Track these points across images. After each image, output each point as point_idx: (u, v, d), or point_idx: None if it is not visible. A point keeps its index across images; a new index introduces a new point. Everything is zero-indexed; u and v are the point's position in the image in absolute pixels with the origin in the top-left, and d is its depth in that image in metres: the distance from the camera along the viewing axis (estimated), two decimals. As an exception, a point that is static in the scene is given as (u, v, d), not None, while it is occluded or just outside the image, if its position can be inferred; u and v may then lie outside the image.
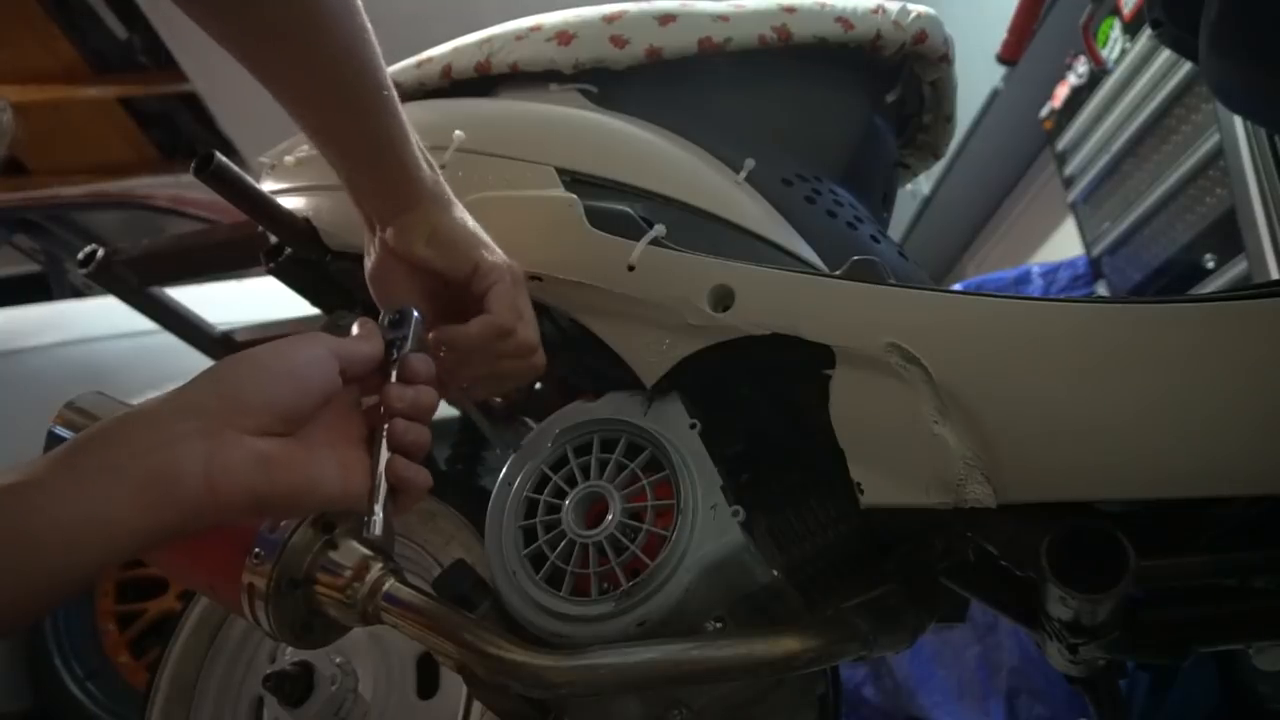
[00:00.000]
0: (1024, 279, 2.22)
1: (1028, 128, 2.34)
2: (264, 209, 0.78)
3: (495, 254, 0.64)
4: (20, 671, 1.68)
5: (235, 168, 0.75)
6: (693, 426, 0.64)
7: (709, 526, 0.60)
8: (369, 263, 0.65)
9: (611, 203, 0.71)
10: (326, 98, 0.58)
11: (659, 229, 0.68)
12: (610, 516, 0.61)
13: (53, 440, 0.62)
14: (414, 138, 0.62)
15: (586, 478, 0.64)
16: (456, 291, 0.64)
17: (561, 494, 0.64)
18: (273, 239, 0.85)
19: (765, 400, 0.70)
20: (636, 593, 0.59)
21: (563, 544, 0.62)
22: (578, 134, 0.77)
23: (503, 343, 0.63)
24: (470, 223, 0.64)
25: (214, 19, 0.55)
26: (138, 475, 0.41)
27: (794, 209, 0.76)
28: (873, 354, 0.58)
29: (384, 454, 0.52)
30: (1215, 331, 0.53)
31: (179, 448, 0.42)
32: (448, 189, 0.64)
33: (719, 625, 0.60)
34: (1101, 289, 2.04)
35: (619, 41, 0.79)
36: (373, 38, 0.59)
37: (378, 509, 0.50)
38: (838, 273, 0.64)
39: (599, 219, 0.70)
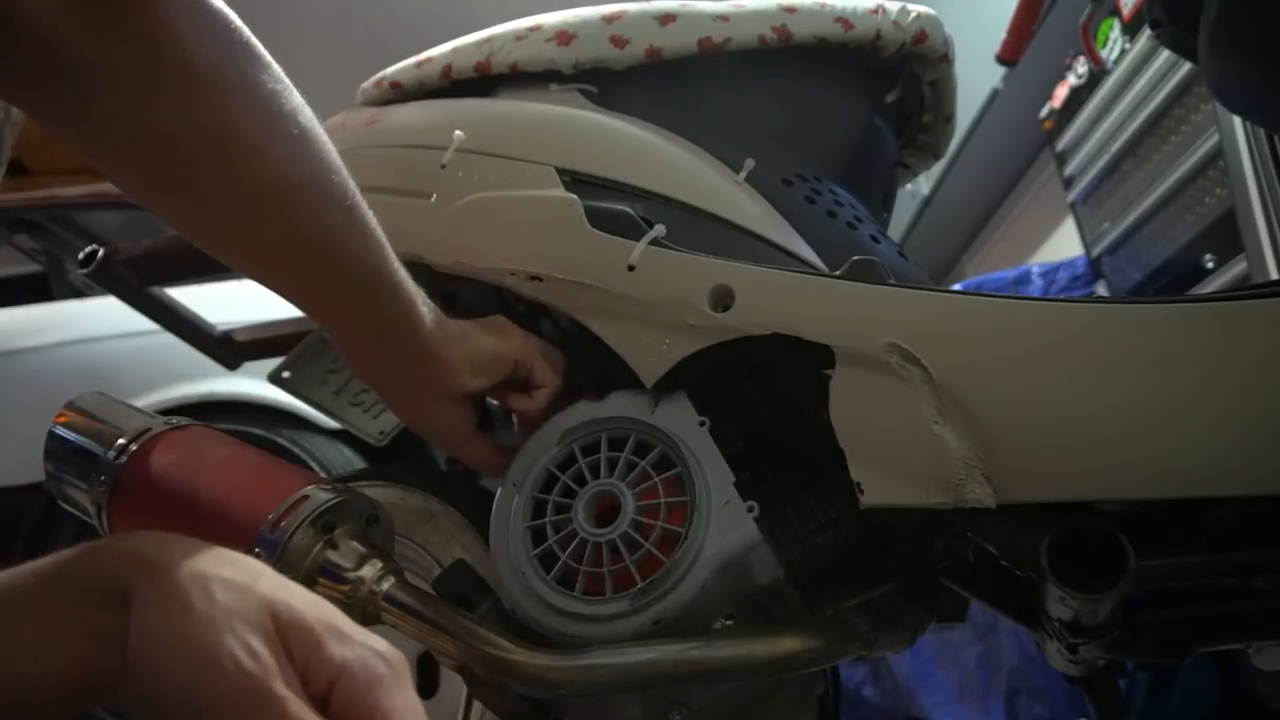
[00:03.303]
0: (1024, 279, 2.22)
1: (1028, 128, 2.34)
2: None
3: (508, 329, 0.68)
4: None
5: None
6: (702, 424, 0.64)
7: (723, 522, 0.60)
8: (413, 421, 0.69)
9: (611, 203, 0.71)
10: (341, 301, 0.61)
11: (659, 229, 0.68)
12: (623, 515, 0.61)
13: (53, 440, 0.62)
14: (416, 290, 0.62)
15: (595, 477, 0.64)
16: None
17: (570, 494, 0.64)
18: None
19: (765, 400, 0.70)
20: (652, 590, 0.59)
21: (574, 544, 0.62)
22: (578, 134, 0.77)
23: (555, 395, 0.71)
24: (470, 326, 0.67)
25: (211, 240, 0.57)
26: None
27: (794, 209, 0.76)
28: (873, 354, 0.58)
29: None
30: (1215, 331, 0.53)
31: None
32: (440, 314, 0.65)
33: (729, 622, 0.60)
34: (1101, 289, 2.04)
35: (619, 41, 0.79)
36: (377, 233, 0.59)
37: None
38: (838, 273, 0.64)
39: (599, 219, 0.70)
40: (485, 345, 0.66)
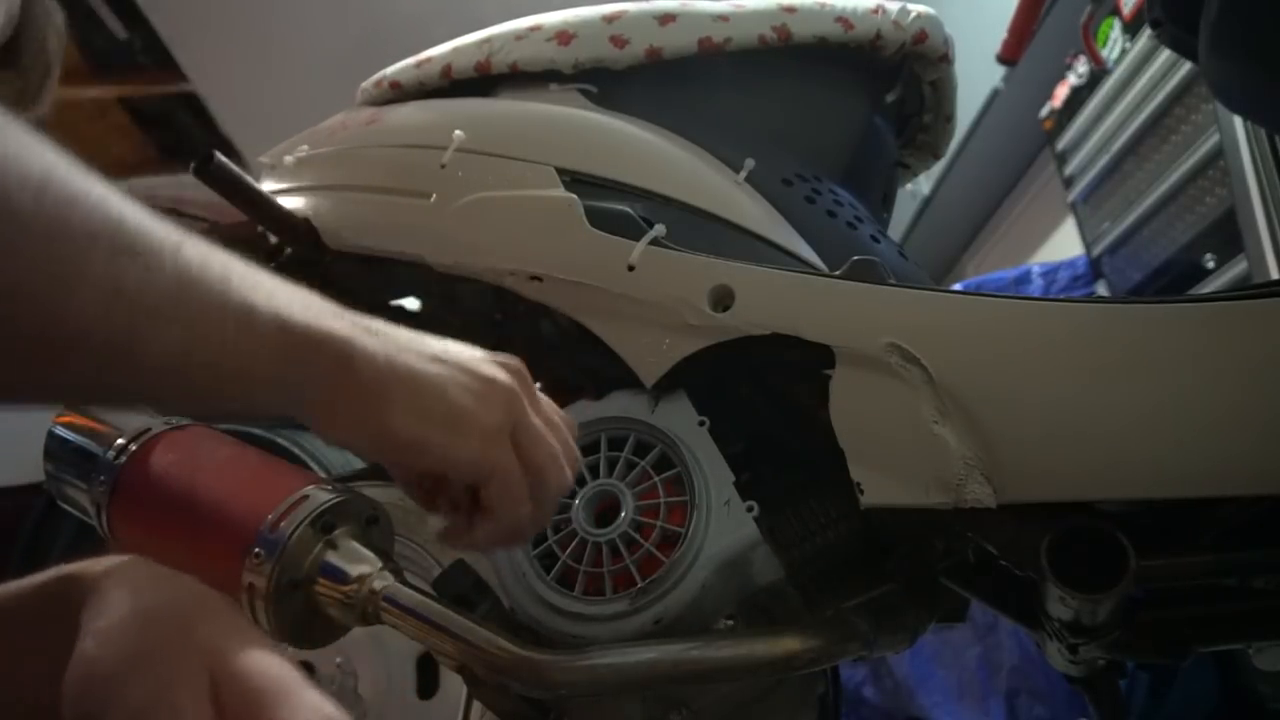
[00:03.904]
0: (1024, 279, 2.22)
1: (1028, 128, 2.34)
2: (264, 209, 0.78)
3: (468, 430, 0.46)
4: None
5: (235, 168, 0.74)
6: (701, 424, 0.64)
7: (724, 522, 0.60)
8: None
9: (611, 203, 0.71)
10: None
11: (659, 229, 0.68)
12: (623, 514, 0.61)
13: (52, 440, 0.62)
14: (321, 307, 0.43)
15: (595, 477, 0.64)
16: None
17: (570, 493, 0.64)
18: (273, 239, 0.85)
19: (765, 400, 0.70)
20: (653, 590, 0.59)
21: (574, 544, 0.62)
22: (578, 134, 0.77)
23: (525, 528, 0.50)
24: (408, 384, 0.45)
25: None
26: None
27: (794, 209, 0.76)
28: (873, 354, 0.58)
29: None
30: (1215, 331, 0.53)
31: None
32: (373, 346, 0.44)
33: (730, 623, 0.60)
34: (1101, 289, 2.04)
35: (619, 41, 0.79)
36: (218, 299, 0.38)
37: None
38: (838, 273, 0.64)
39: (599, 219, 0.70)
40: (393, 429, 0.44)
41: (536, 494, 0.50)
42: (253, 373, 0.40)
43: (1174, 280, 1.74)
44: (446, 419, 0.45)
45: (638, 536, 0.61)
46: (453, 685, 0.79)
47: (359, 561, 0.58)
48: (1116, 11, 1.80)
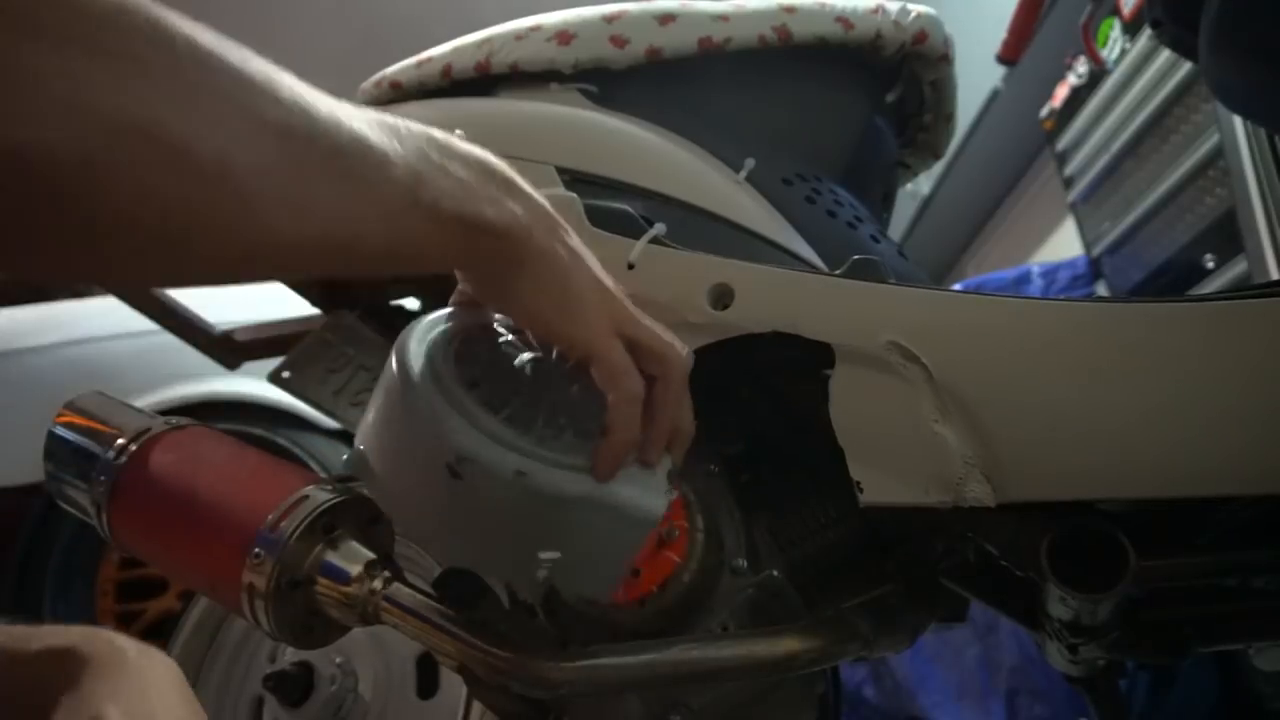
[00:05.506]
0: (1024, 279, 2.22)
1: (1028, 128, 2.34)
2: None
3: (577, 316, 0.51)
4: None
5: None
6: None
7: (637, 479, 0.54)
8: None
9: (612, 201, 0.71)
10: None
11: (659, 227, 0.68)
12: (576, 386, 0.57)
13: (53, 440, 0.62)
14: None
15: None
16: None
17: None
18: (273, 239, 0.85)
19: (765, 399, 0.70)
20: (545, 445, 0.53)
21: (499, 362, 0.56)
22: (578, 133, 0.77)
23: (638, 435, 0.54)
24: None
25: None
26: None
27: (794, 209, 0.76)
28: (873, 352, 0.58)
29: None
30: (1216, 331, 0.53)
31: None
32: (525, 223, 0.49)
33: (552, 557, 0.53)
34: (1101, 289, 2.04)
35: (619, 41, 0.79)
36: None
37: None
38: (838, 271, 0.64)
39: (599, 217, 0.70)
40: (515, 295, 0.51)
41: (658, 371, 0.55)
42: (427, 256, 0.46)
43: (1174, 280, 1.74)
44: (561, 301, 0.51)
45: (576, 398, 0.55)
46: (453, 685, 0.79)
47: (359, 561, 0.58)
48: (1116, 11, 1.80)
